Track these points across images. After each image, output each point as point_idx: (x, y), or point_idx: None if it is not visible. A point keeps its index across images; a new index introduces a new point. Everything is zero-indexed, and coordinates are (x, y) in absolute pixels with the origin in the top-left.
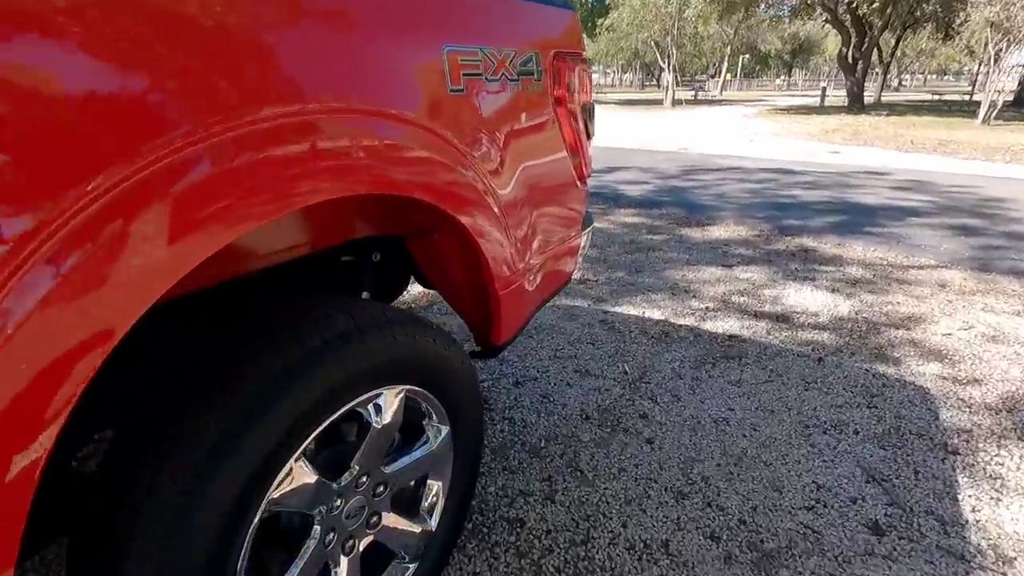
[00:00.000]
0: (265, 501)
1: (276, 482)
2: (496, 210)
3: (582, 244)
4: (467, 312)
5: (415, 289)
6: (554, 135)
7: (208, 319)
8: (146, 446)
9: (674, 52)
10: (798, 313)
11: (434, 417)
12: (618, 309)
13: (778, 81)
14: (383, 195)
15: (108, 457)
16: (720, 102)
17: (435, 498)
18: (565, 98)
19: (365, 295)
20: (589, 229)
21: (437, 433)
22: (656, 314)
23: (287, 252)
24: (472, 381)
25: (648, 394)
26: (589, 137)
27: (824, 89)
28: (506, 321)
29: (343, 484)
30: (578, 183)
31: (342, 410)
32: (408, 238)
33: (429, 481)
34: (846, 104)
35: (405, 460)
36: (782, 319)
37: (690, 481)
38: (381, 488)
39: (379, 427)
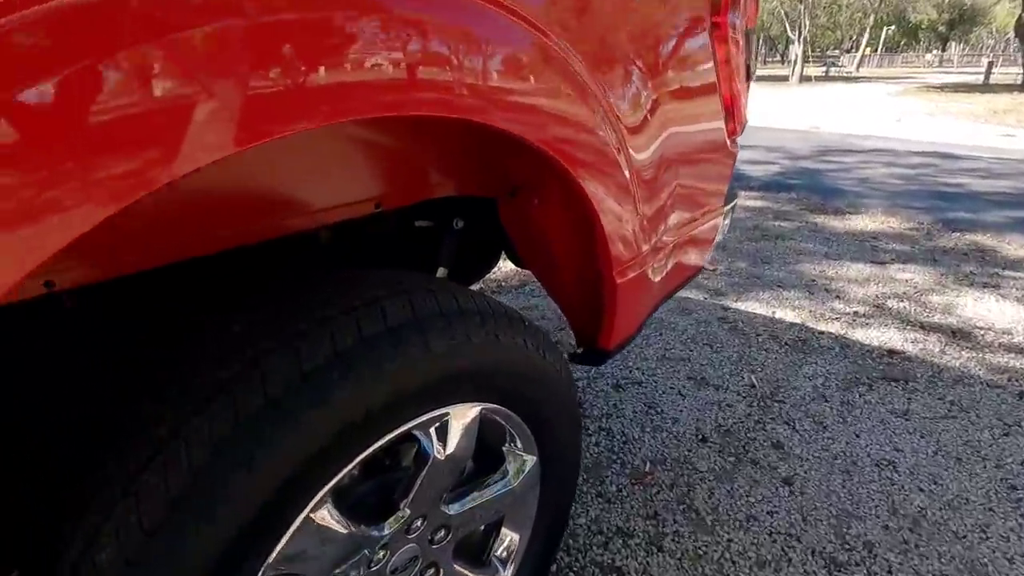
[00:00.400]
0: (263, 570)
1: (283, 541)
2: (626, 171)
3: (722, 225)
4: (571, 303)
5: (506, 267)
6: (708, 70)
7: (193, 298)
8: (81, 491)
9: (806, 23)
10: (981, 329)
11: (518, 443)
12: (741, 306)
13: (928, 57)
14: (463, 125)
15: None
16: (856, 79)
17: (510, 548)
18: (726, 21)
19: (441, 272)
20: (732, 206)
21: (521, 465)
22: (789, 315)
23: (343, 209)
24: (570, 398)
25: (783, 417)
26: (748, 78)
27: (990, 64)
28: (621, 318)
29: (388, 532)
30: (728, 142)
31: (386, 438)
32: (501, 201)
33: (504, 529)
34: (1019, 82)
35: (476, 497)
36: (960, 335)
37: (847, 546)
38: (441, 534)
39: (441, 458)
